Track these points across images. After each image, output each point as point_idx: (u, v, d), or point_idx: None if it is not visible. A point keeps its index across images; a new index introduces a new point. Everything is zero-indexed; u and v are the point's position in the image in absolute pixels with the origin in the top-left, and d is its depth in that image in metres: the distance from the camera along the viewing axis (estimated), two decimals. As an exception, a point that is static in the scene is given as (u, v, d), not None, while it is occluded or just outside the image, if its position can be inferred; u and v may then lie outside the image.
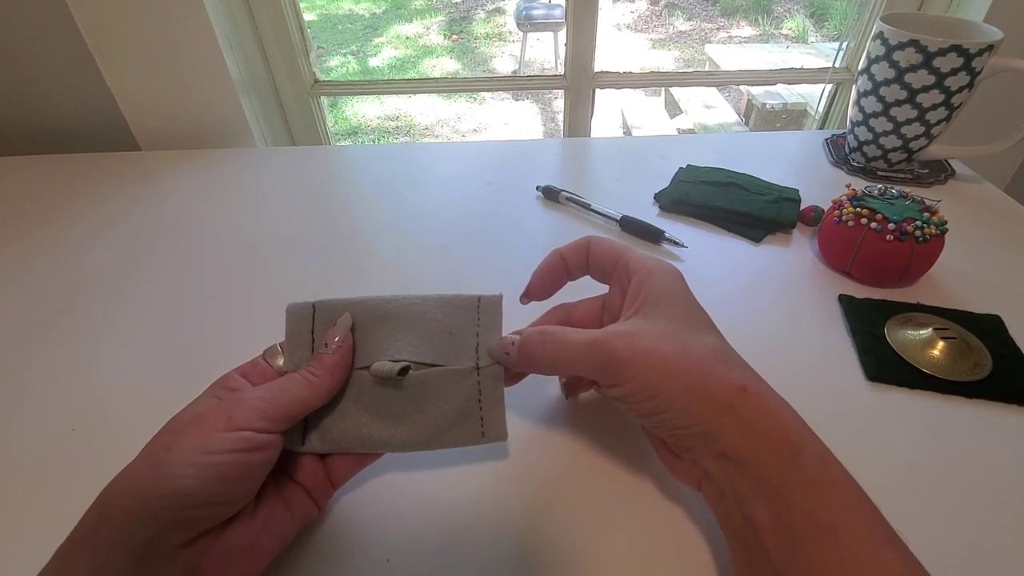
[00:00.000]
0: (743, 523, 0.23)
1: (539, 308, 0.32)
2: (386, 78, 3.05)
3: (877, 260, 0.42)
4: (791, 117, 2.65)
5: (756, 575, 0.23)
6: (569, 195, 0.54)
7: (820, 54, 3.27)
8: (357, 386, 0.28)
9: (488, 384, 0.28)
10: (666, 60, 3.80)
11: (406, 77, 3.01)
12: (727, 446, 0.23)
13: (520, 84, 0.92)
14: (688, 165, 0.58)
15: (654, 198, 0.55)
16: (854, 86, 0.57)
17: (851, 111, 0.58)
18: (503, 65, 3.83)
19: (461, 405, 0.28)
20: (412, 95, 3.15)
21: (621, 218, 0.50)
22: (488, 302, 0.30)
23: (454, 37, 4.07)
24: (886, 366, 0.37)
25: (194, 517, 0.21)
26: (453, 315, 0.29)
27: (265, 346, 0.29)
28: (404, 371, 0.27)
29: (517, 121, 3.22)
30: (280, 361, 0.28)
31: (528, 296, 0.32)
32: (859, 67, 0.56)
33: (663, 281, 0.27)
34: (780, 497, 0.22)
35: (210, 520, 0.22)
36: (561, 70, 0.77)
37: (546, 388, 0.36)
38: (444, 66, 3.82)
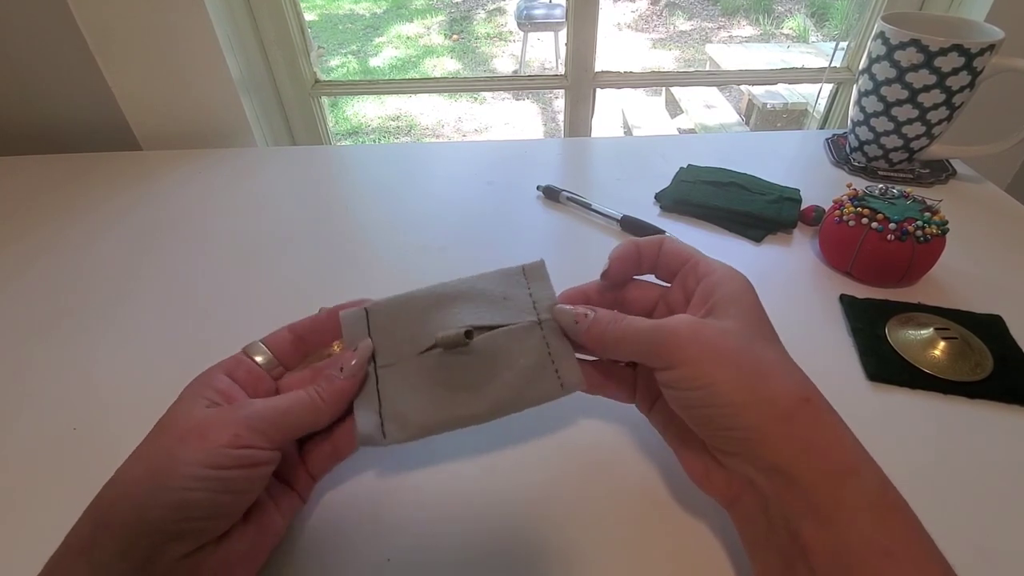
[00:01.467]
0: (789, 541, 0.22)
1: (588, 275, 0.31)
2: (387, 78, 3.05)
3: (878, 260, 0.42)
4: (792, 117, 2.64)
5: None
6: (570, 195, 0.54)
7: (821, 54, 3.26)
8: (430, 369, 0.28)
9: (553, 336, 0.29)
10: (667, 60, 3.79)
11: (407, 77, 3.01)
12: (778, 458, 0.22)
13: (521, 84, 0.92)
14: (689, 165, 0.58)
15: (655, 198, 0.55)
16: (855, 86, 0.57)
17: (852, 111, 0.58)
18: (504, 65, 3.82)
19: (534, 360, 0.28)
20: (413, 95, 3.15)
21: (622, 218, 0.50)
22: (532, 267, 0.31)
23: (455, 37, 4.07)
24: (887, 366, 0.36)
25: (197, 529, 0.22)
26: (502, 283, 0.30)
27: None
28: (470, 334, 0.27)
29: (518, 121, 3.22)
30: (260, 358, 0.28)
31: (608, 276, 0.30)
32: (860, 67, 0.56)
33: (735, 287, 0.27)
34: (834, 517, 0.21)
35: (212, 532, 0.22)
36: (562, 70, 0.77)
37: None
38: (445, 66, 3.82)
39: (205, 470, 0.21)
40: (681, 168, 0.58)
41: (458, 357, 0.28)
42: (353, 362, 0.27)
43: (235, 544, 0.23)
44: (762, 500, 0.23)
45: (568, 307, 0.29)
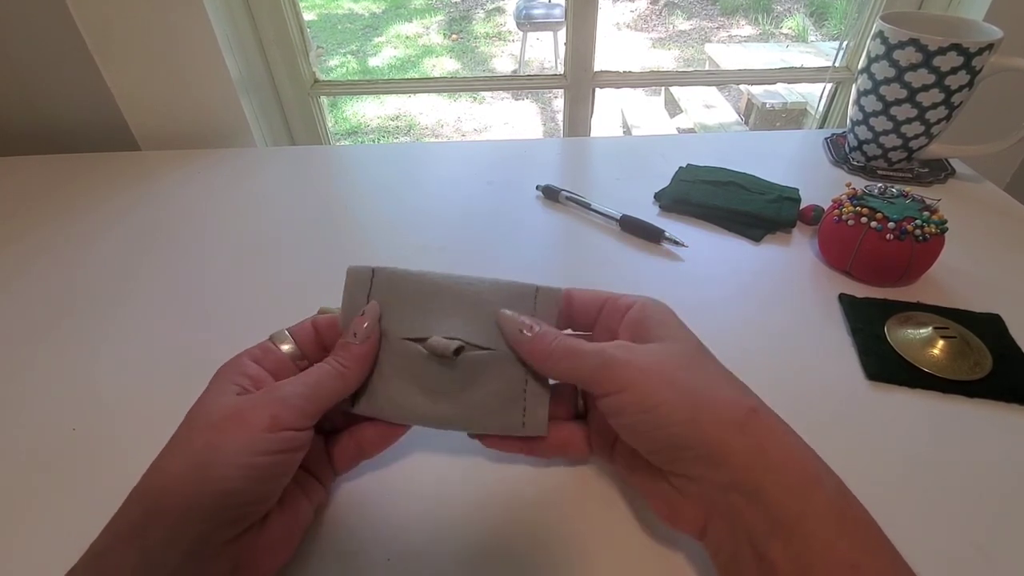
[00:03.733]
0: (757, 564, 0.21)
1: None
2: (386, 78, 3.05)
3: (877, 259, 0.42)
4: (791, 116, 2.65)
5: None
6: (569, 195, 0.54)
7: (820, 53, 3.27)
8: (408, 357, 0.28)
9: (535, 376, 0.28)
10: (666, 59, 3.80)
11: (406, 77, 3.01)
12: (739, 473, 0.22)
13: (520, 84, 0.92)
14: (688, 164, 0.58)
15: (654, 197, 0.55)
16: (854, 85, 0.57)
17: (851, 110, 0.58)
18: (503, 65, 3.82)
19: (506, 392, 0.28)
20: (412, 95, 3.15)
21: (621, 217, 0.50)
22: (546, 294, 0.29)
23: (454, 37, 4.07)
24: (886, 365, 0.37)
25: (243, 514, 0.23)
26: (507, 301, 0.29)
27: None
28: (459, 351, 0.27)
29: (517, 121, 3.22)
30: (287, 347, 0.28)
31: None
32: (859, 66, 0.56)
33: (661, 313, 0.27)
34: (798, 532, 0.20)
35: (255, 515, 0.23)
36: (561, 69, 0.77)
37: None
38: (444, 66, 3.82)
39: (248, 458, 0.22)
40: (680, 168, 0.58)
41: (438, 364, 0.28)
42: (365, 325, 0.28)
43: (273, 529, 0.24)
44: (728, 523, 0.23)
45: (512, 314, 0.28)
